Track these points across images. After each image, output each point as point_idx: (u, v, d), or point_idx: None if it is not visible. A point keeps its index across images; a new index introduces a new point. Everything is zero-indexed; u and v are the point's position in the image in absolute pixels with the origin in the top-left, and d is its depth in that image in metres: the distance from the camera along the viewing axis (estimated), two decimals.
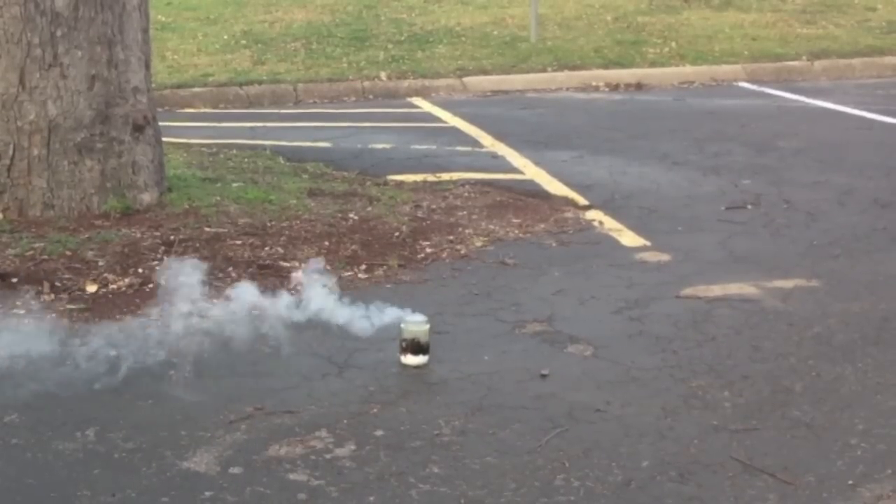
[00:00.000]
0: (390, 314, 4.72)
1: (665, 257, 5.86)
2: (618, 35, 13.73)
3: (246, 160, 7.93)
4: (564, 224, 6.46)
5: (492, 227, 6.34)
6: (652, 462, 3.61)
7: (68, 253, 5.57)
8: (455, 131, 9.50)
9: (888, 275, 5.55)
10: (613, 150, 8.64)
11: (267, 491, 3.43)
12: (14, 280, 5.26)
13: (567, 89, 11.89)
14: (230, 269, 5.44)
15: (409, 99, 11.41)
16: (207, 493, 3.41)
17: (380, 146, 8.78)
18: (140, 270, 5.40)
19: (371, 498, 3.39)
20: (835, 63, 12.70)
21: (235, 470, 3.56)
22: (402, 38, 13.57)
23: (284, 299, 4.93)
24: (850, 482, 3.49)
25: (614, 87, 11.91)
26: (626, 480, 3.50)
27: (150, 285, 5.20)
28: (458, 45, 13.23)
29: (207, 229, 5.96)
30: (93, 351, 4.45)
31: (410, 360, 4.38)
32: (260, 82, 11.57)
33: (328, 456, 3.65)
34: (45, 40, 5.95)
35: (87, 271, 5.37)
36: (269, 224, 6.13)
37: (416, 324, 4.41)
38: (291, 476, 3.52)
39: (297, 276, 5.26)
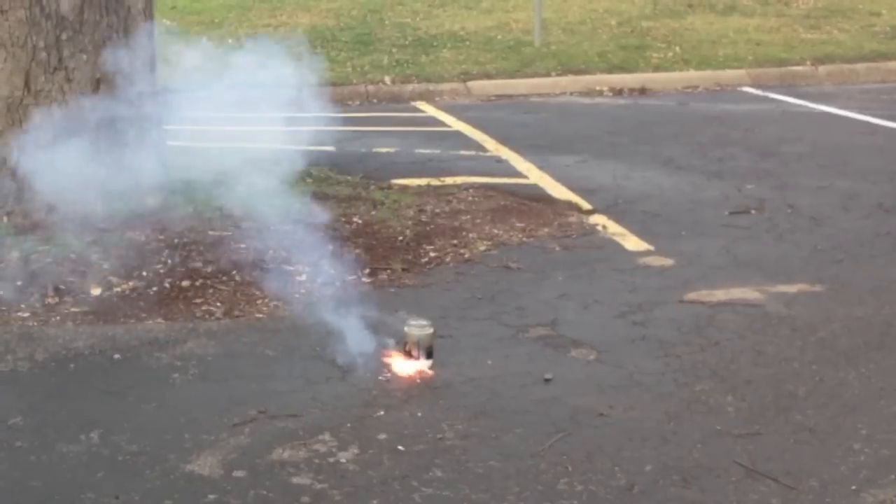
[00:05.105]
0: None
1: (668, 262, 5.85)
2: (622, 40, 13.73)
3: None
4: (568, 228, 6.46)
5: (495, 231, 6.35)
6: (655, 466, 3.61)
7: (72, 256, 5.57)
8: (459, 135, 9.50)
9: (892, 280, 5.55)
10: (617, 154, 8.64)
11: (270, 494, 3.44)
12: (19, 283, 5.27)
13: (571, 94, 11.89)
14: (234, 272, 5.44)
15: (413, 103, 11.42)
16: (211, 497, 3.42)
17: (384, 150, 8.79)
18: (144, 273, 5.41)
19: (374, 502, 3.39)
20: (839, 68, 12.69)
21: (239, 473, 3.56)
22: (407, 43, 13.58)
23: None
24: (854, 487, 3.49)
25: (618, 92, 11.91)
26: (629, 484, 3.50)
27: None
28: (463, 50, 13.24)
29: (211, 233, 5.97)
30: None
31: None
32: None
33: (331, 459, 3.66)
34: (50, 44, 5.96)
35: (91, 274, 5.38)
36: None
37: (419, 327, 4.42)
38: (295, 480, 3.53)
39: None
